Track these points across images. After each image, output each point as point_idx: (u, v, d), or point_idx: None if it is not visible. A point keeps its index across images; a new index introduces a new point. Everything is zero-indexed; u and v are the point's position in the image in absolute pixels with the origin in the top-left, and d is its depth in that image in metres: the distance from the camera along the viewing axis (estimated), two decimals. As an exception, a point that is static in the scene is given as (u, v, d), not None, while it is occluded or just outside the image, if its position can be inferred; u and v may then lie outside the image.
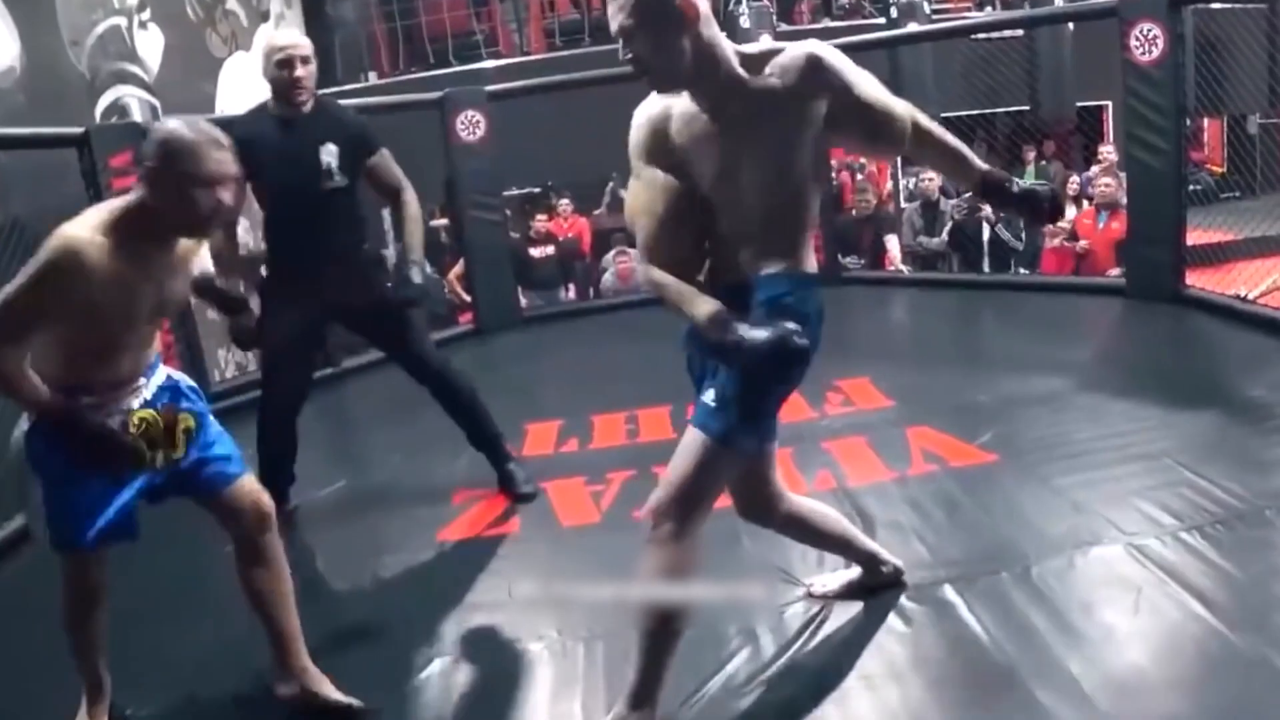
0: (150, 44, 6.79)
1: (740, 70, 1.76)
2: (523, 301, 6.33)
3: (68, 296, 1.79)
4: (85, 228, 1.81)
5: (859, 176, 8.67)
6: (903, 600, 2.31)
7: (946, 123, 8.26)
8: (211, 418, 2.17)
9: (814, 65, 1.74)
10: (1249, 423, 3.12)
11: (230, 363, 6.91)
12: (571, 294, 8.09)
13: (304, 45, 3.01)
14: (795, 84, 1.74)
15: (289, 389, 3.20)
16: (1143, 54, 4.48)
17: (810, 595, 2.38)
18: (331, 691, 2.15)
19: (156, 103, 6.11)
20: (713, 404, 1.81)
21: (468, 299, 6.94)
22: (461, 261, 7.34)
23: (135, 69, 6.55)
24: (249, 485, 2.15)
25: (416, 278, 3.04)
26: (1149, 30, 4.45)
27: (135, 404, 2.00)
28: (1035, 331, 4.67)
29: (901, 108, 1.87)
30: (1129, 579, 2.28)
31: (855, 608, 2.31)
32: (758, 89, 1.76)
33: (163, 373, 2.11)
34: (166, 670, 2.38)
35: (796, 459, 3.19)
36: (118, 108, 5.90)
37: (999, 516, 2.67)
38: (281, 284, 3.14)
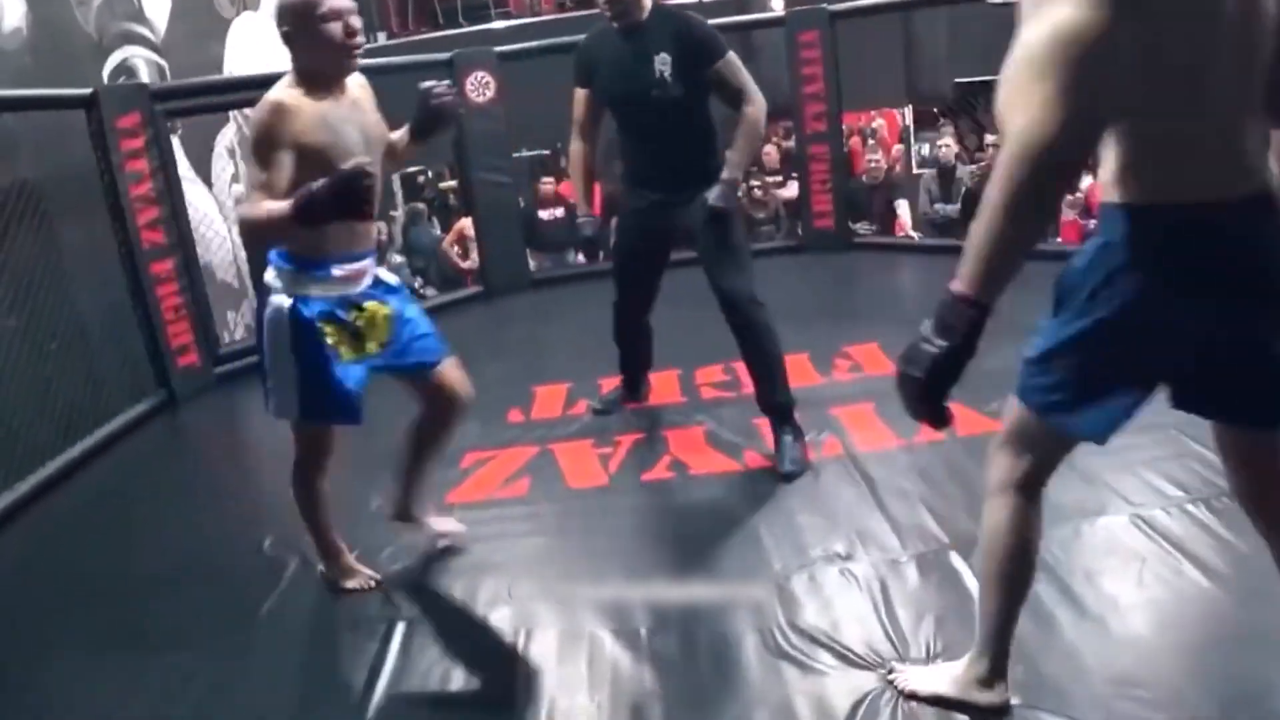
0: (157, 4, 6.73)
1: None
2: (531, 264, 6.31)
3: (288, 139, 2.04)
4: (275, 90, 2.10)
5: (870, 141, 8.61)
6: (909, 568, 2.33)
7: (961, 88, 8.14)
8: (412, 302, 2.48)
9: None
10: (1259, 393, 3.10)
11: (239, 324, 6.93)
12: (580, 257, 8.06)
13: None
14: None
15: (634, 294, 3.34)
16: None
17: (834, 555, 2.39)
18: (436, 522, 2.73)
19: (164, 64, 6.07)
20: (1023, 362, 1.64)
21: (463, 265, 6.92)
22: (455, 227, 7.32)
23: (143, 30, 6.50)
24: (453, 372, 2.50)
25: (718, 199, 2.96)
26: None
27: (366, 285, 2.32)
28: (1045, 300, 4.62)
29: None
30: (1134, 550, 2.29)
31: (859, 578, 2.33)
32: None
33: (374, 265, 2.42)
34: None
35: (803, 424, 3.19)
36: (125, 69, 5.85)
37: (1005, 485, 2.67)
38: (627, 192, 3.26)
